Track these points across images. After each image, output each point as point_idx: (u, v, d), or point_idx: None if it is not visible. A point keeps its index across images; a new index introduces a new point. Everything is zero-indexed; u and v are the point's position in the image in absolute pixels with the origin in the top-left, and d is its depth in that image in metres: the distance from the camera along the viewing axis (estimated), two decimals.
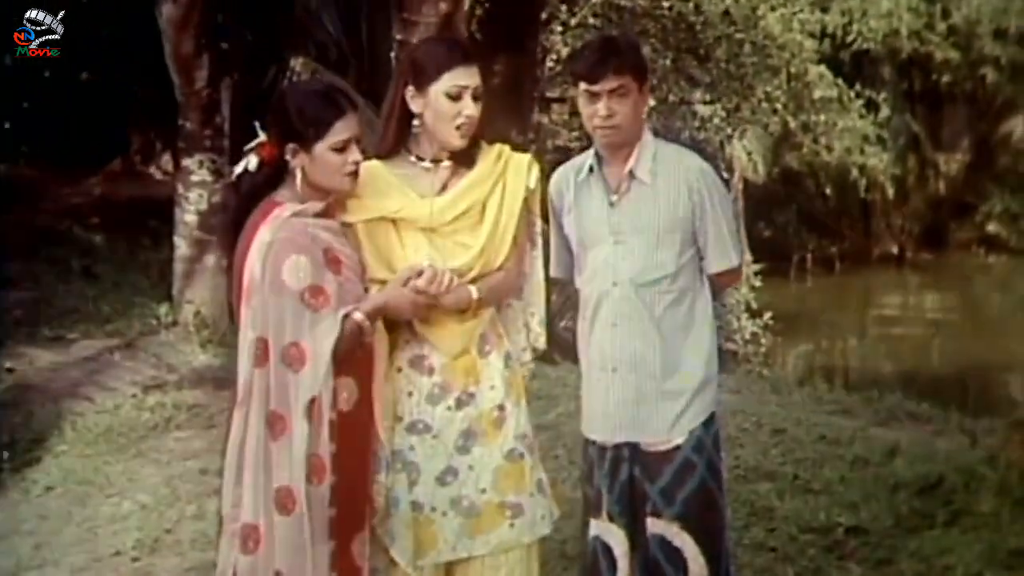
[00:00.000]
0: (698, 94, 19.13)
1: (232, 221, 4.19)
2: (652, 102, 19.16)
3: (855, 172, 22.63)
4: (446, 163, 4.28)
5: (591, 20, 18.30)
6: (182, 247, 12.41)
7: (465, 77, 4.18)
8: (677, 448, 4.50)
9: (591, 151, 4.63)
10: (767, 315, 19.64)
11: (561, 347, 8.60)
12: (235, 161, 4.26)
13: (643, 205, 4.50)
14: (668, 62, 18.29)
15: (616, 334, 4.54)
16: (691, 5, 17.78)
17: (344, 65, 14.64)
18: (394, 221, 4.23)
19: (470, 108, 4.17)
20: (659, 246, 4.48)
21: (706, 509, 4.54)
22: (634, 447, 4.55)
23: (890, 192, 27.51)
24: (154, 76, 12.82)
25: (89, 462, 8.38)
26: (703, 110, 19.28)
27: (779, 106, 18.71)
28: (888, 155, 24.09)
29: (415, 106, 4.23)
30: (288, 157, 4.05)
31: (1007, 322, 24.80)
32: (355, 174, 4.11)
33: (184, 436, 8.98)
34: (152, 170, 19.82)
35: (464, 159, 4.29)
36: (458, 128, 4.19)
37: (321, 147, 4.03)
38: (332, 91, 4.19)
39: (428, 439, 4.24)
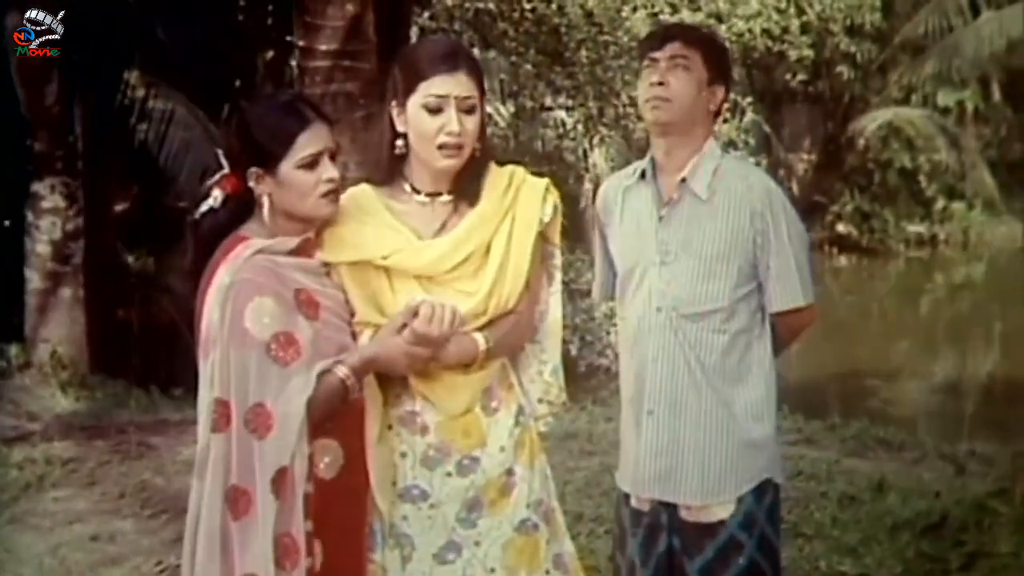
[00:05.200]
0: (560, 100, 18.54)
1: (191, 269, 3.63)
2: (512, 108, 18.59)
3: None
4: (445, 198, 3.69)
5: (445, 24, 17.62)
6: (35, 280, 11.77)
7: (445, 86, 3.57)
8: (722, 522, 3.96)
9: (648, 156, 4.08)
10: None
11: None
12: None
13: (696, 224, 3.97)
14: (529, 67, 17.65)
15: (655, 371, 3.99)
16: (554, 6, 17.14)
17: (180, 76, 13.88)
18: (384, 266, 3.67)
19: (453, 123, 3.56)
20: (711, 274, 3.95)
21: None
22: (673, 514, 4.00)
23: None
24: None
25: None
26: (565, 117, 18.69)
27: None
28: (753, 160, 23.95)
29: (399, 124, 3.66)
30: (252, 184, 3.54)
31: (860, 323, 24.71)
32: (333, 194, 3.58)
33: (63, 496, 8.15)
34: None
35: (466, 193, 3.68)
36: (441, 148, 3.57)
37: (287, 166, 3.51)
38: (294, 101, 3.69)
39: (424, 508, 3.64)
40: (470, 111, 3.58)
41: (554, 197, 3.75)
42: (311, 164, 3.49)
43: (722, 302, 3.91)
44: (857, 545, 6.42)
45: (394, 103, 3.64)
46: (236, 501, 3.37)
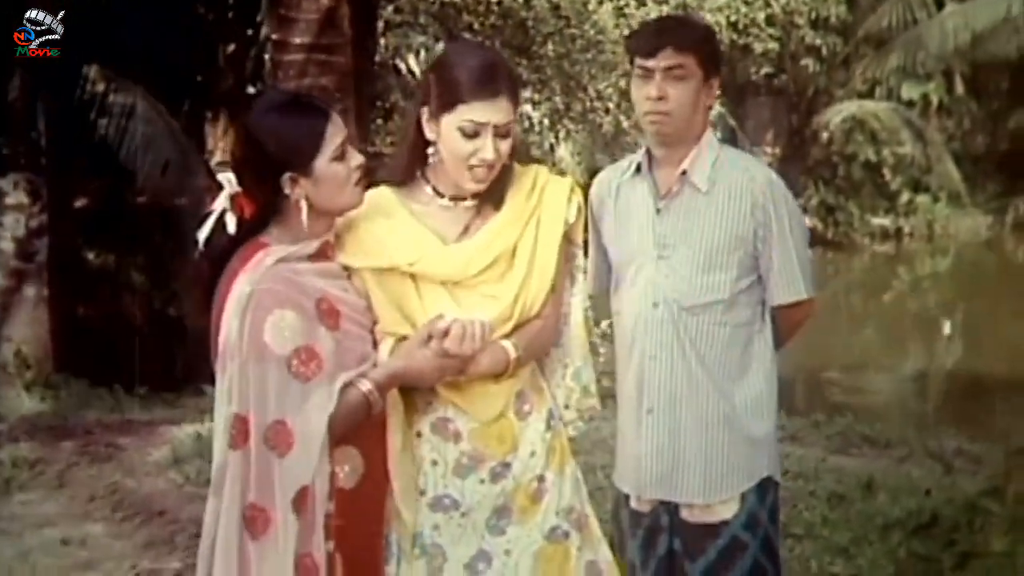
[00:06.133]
0: (526, 94, 18.40)
1: (206, 288, 3.48)
2: None
3: None
4: (468, 202, 3.59)
5: (409, 18, 17.49)
6: None
7: (485, 112, 3.43)
8: (725, 523, 3.88)
9: (642, 150, 3.98)
10: (604, 324, 19.00)
11: None
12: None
13: (695, 216, 3.89)
14: None
15: (654, 368, 3.89)
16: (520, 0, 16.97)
17: (140, 70, 13.69)
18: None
19: (488, 151, 3.44)
20: (711, 267, 3.86)
21: None
22: (674, 515, 3.92)
23: None
24: None
25: None
26: (531, 111, 18.56)
27: (611, 105, 18.03)
28: None
29: (429, 132, 3.54)
30: (287, 191, 3.40)
31: (826, 317, 24.70)
32: (361, 181, 3.50)
33: (32, 499, 8.04)
34: None
35: (491, 197, 3.58)
36: (471, 170, 3.48)
37: (322, 162, 3.40)
38: (302, 96, 3.68)
39: (456, 518, 3.53)
40: (506, 135, 3.47)
41: (578, 197, 3.66)
42: (342, 155, 3.42)
43: (723, 294, 3.84)
44: (848, 545, 6.34)
45: (425, 110, 3.52)
46: (254, 520, 3.28)
